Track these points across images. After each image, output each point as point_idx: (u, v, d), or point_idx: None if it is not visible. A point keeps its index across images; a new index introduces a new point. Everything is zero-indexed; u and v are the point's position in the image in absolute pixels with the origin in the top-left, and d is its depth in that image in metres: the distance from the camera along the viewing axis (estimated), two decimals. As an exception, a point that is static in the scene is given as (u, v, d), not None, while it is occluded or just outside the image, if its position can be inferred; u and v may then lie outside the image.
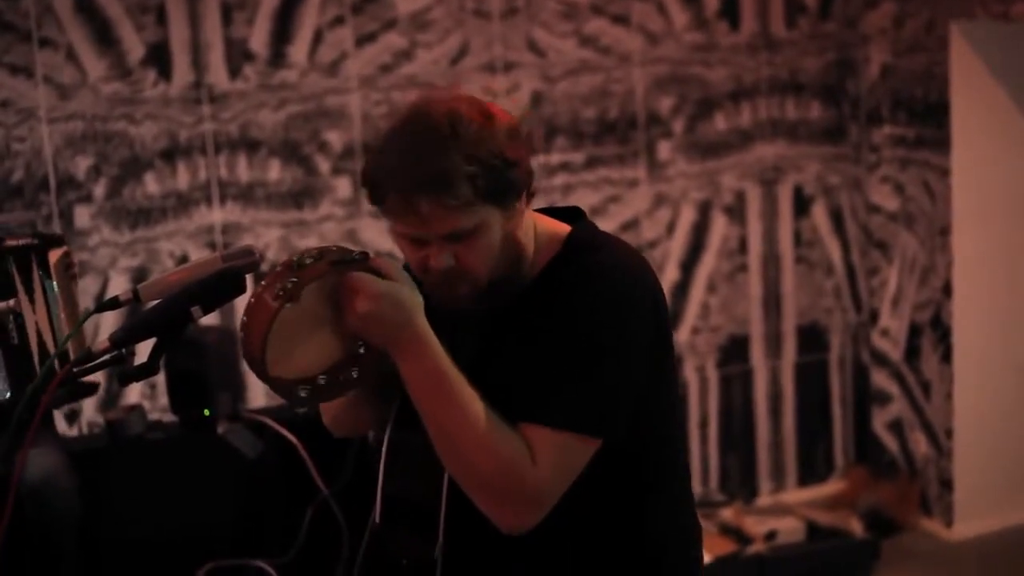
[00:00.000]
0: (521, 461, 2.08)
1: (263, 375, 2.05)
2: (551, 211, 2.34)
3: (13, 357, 2.81)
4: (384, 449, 2.34)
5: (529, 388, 2.12)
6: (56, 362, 2.52)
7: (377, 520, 2.34)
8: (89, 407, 4.41)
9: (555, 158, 4.89)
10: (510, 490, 2.09)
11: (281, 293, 2.00)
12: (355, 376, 2.15)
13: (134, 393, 4.40)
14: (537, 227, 2.25)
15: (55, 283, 2.90)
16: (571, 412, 2.10)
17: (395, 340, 2.08)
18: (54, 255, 2.93)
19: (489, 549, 2.20)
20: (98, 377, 2.97)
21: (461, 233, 2.10)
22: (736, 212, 5.22)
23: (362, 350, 2.12)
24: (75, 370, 2.15)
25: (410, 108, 2.15)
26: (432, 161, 2.06)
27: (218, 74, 4.47)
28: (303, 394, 2.10)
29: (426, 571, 2.25)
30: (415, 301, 2.08)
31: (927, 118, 4.98)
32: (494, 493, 2.11)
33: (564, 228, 2.27)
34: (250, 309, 2.03)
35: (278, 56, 4.54)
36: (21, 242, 2.92)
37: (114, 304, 2.18)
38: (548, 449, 2.09)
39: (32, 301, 2.85)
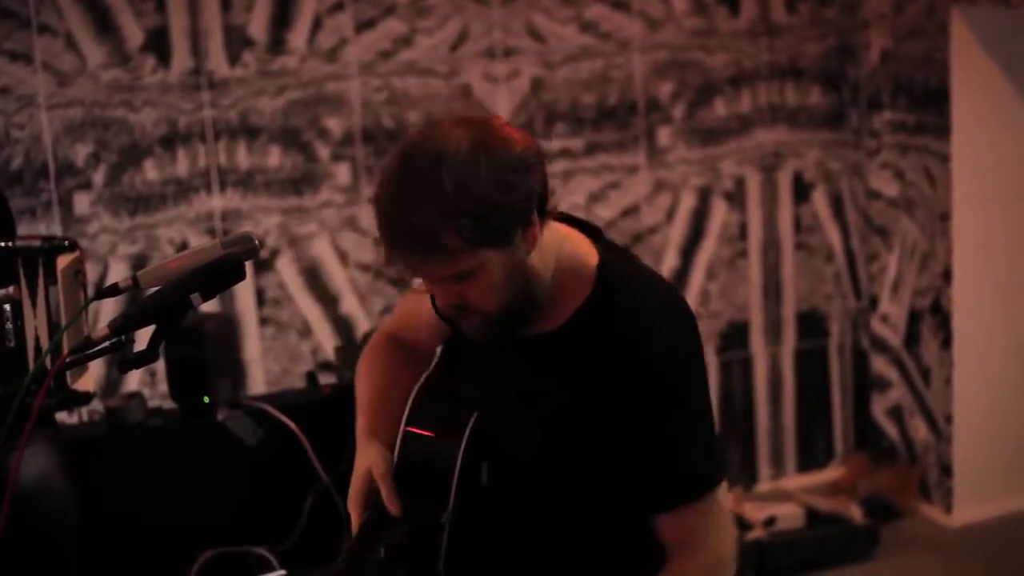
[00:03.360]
0: (693, 566, 2.19)
1: None
2: (567, 219, 2.30)
3: (7, 357, 2.81)
4: (408, 407, 2.36)
5: (652, 480, 2.17)
6: (48, 359, 2.52)
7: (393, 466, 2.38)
8: (89, 394, 4.41)
9: (555, 144, 4.88)
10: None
11: None
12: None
13: (134, 380, 4.41)
14: (562, 249, 2.19)
15: (59, 289, 2.89)
16: (698, 480, 2.17)
17: None
18: (63, 261, 2.92)
19: (495, 524, 2.26)
20: (92, 386, 2.98)
21: (456, 276, 2.06)
22: (736, 198, 5.22)
23: None
24: (73, 357, 2.15)
25: (404, 146, 2.07)
26: (413, 218, 1.99)
27: (217, 60, 4.47)
28: None
29: (432, 535, 2.28)
30: None
31: (927, 104, 4.97)
32: None
33: (590, 257, 2.21)
34: None
35: (277, 42, 4.53)
36: (29, 244, 2.91)
37: (113, 291, 2.18)
38: (703, 519, 2.18)
39: (34, 305, 2.85)
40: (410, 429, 2.35)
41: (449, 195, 1.97)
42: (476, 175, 1.99)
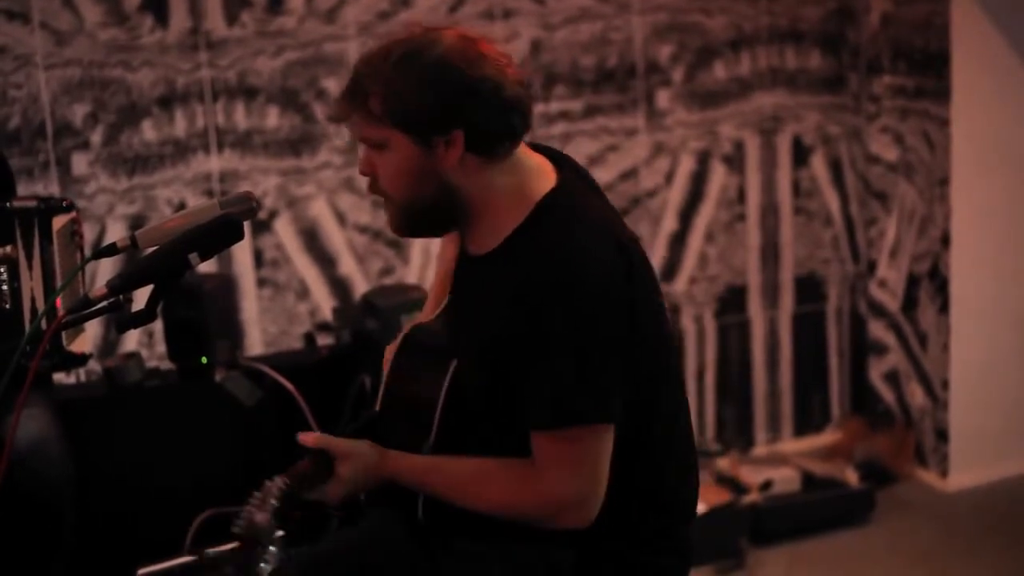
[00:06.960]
0: (530, 485, 2.24)
1: None
2: (546, 150, 2.41)
3: (3, 319, 2.80)
4: (397, 344, 2.51)
5: (521, 399, 2.23)
6: (43, 321, 2.52)
7: (376, 407, 2.50)
8: (87, 354, 4.41)
9: (554, 107, 4.87)
10: (543, 511, 2.27)
11: None
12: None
13: (132, 340, 4.41)
14: (515, 178, 2.30)
15: (56, 250, 2.89)
16: (558, 410, 2.20)
17: (379, 481, 2.38)
18: (58, 221, 2.91)
19: (474, 454, 2.35)
20: (88, 347, 2.97)
21: (371, 142, 2.25)
22: (735, 162, 5.21)
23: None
24: (71, 317, 2.15)
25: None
26: (363, 72, 2.25)
27: (215, 20, 4.45)
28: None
29: None
30: (368, 457, 2.37)
31: (927, 68, 4.96)
32: (536, 519, 2.29)
33: (541, 187, 2.31)
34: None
35: (276, 2, 4.51)
36: (25, 204, 2.90)
37: (111, 251, 2.19)
38: (554, 451, 2.22)
39: (30, 267, 2.84)
40: (400, 360, 2.50)
41: (393, 68, 2.21)
42: (415, 66, 2.21)
